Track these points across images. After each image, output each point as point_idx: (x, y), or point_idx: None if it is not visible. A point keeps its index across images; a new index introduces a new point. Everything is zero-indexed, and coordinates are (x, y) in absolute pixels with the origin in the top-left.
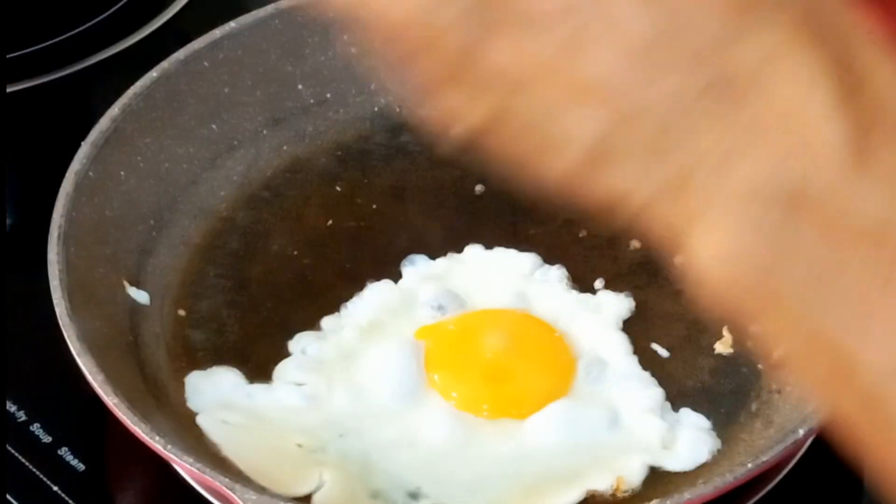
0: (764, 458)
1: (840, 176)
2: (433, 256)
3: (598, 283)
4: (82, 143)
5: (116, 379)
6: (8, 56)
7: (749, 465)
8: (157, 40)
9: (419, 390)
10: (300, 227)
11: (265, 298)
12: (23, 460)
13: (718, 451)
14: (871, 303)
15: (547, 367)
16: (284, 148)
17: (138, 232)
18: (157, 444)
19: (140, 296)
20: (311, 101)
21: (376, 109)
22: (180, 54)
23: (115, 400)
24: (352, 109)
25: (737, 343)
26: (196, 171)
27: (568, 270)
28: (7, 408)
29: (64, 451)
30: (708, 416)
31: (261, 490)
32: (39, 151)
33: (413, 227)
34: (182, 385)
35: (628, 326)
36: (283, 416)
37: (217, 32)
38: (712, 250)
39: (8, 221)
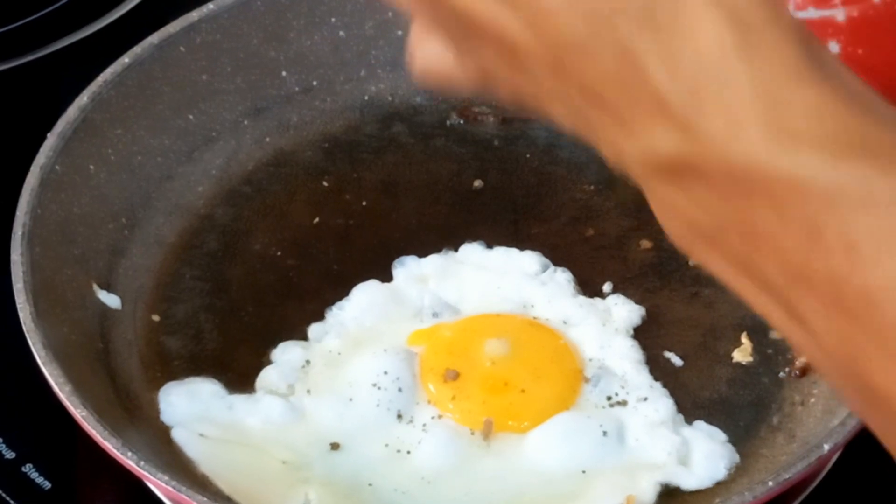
0: (786, 476)
1: None
2: (427, 256)
3: (607, 287)
4: (48, 134)
5: (85, 389)
6: None
7: (770, 483)
8: (130, 23)
9: (412, 402)
10: (284, 226)
11: (246, 302)
12: None
13: (736, 467)
14: None
15: (551, 378)
16: (267, 140)
17: (109, 230)
18: (129, 460)
19: (111, 300)
20: (296, 88)
21: (366, 98)
22: (154, 38)
23: (84, 412)
24: (340, 98)
25: (756, 351)
26: (171, 165)
27: (574, 272)
28: None
29: (29, 468)
30: (725, 430)
31: None
32: (2, 143)
33: (406, 225)
34: (156, 396)
35: (639, 333)
36: (266, 430)
37: (194, 15)
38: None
39: None
